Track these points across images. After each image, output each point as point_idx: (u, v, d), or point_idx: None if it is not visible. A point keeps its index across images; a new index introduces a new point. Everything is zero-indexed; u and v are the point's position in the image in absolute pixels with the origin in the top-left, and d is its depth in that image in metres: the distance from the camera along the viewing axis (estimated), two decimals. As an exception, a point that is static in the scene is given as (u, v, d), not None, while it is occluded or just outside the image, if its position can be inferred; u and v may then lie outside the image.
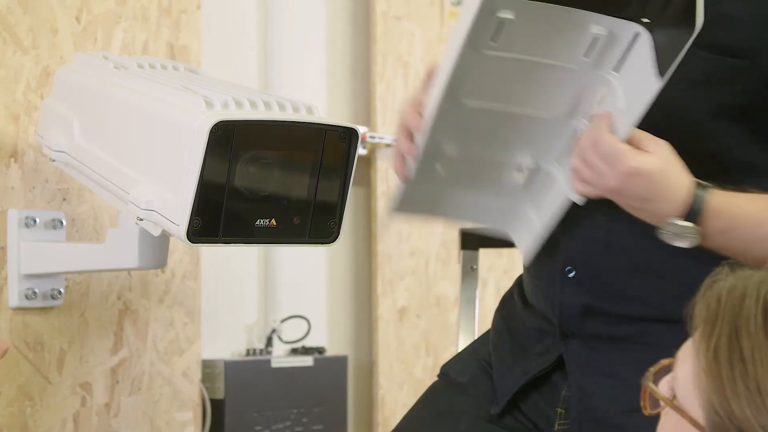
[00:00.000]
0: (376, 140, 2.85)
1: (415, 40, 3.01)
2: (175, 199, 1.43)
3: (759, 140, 1.51)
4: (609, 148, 1.39)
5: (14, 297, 1.90)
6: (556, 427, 1.61)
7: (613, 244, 1.54)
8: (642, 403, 1.11)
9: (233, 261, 2.65)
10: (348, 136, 1.49)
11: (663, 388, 1.09)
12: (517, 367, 1.64)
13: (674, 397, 1.07)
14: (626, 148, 1.39)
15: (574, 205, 1.50)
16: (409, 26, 3.00)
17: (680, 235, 1.42)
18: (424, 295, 3.00)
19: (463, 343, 1.96)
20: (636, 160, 1.39)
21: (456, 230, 2.29)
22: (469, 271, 2.17)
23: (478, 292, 2.17)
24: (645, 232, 1.49)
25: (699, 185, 1.43)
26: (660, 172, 1.40)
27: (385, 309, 2.90)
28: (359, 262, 2.94)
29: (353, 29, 2.90)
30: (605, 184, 1.41)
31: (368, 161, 2.91)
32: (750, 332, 1.02)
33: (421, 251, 3.00)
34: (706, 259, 1.42)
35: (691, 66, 1.43)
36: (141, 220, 1.49)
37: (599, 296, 1.56)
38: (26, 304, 1.91)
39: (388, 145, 2.91)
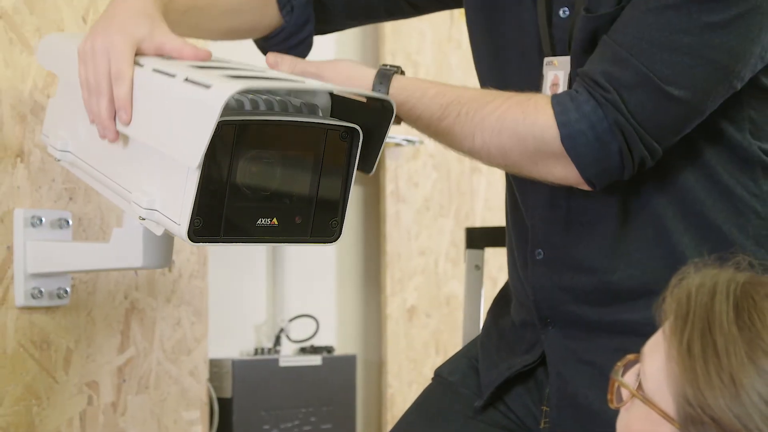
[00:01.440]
0: (386, 139, 2.85)
1: (424, 39, 3.01)
2: (176, 199, 1.43)
3: None
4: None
5: (20, 296, 1.90)
6: (542, 425, 1.63)
7: (573, 221, 1.58)
8: (609, 396, 1.13)
9: (242, 260, 2.66)
10: (349, 135, 1.49)
11: (629, 380, 1.11)
12: (501, 362, 1.66)
13: (640, 388, 1.09)
14: None
15: (535, 191, 1.59)
16: (419, 25, 3.00)
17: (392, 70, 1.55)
18: (433, 295, 3.00)
19: (465, 343, 1.96)
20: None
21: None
22: (474, 270, 2.17)
23: (483, 292, 2.17)
24: (602, 205, 1.55)
25: (384, 67, 1.55)
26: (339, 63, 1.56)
27: (394, 308, 2.91)
28: (368, 262, 2.94)
29: (362, 28, 2.90)
30: None
31: (377, 160, 2.91)
32: (723, 327, 1.05)
33: (430, 250, 3.00)
34: (656, 226, 1.52)
35: (585, 31, 1.51)
36: (143, 219, 1.49)
37: (565, 272, 1.60)
38: (32, 303, 1.92)
39: (397, 144, 2.91)
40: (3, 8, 1.91)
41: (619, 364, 1.13)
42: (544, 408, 1.63)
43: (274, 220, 1.48)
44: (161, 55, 1.52)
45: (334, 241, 1.53)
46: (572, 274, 1.59)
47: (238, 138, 1.42)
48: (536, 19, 1.57)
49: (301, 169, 1.49)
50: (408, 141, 2.91)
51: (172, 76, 1.44)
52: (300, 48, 1.74)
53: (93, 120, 1.52)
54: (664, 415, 1.06)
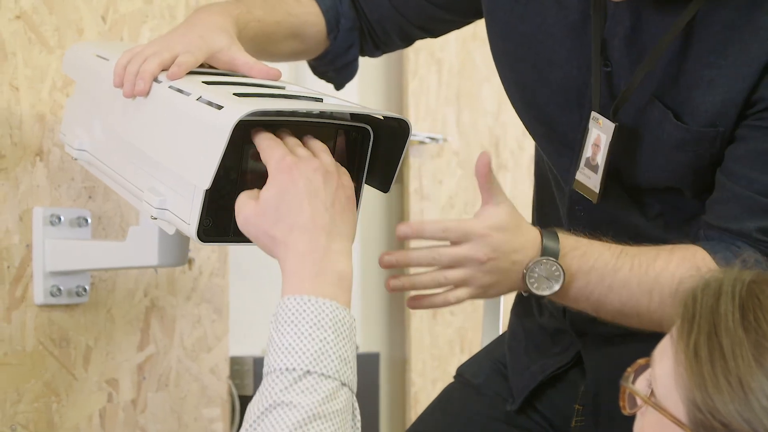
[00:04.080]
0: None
1: (448, 37, 3.00)
2: (186, 199, 1.43)
3: (705, 188, 1.53)
4: (458, 228, 1.39)
5: (39, 294, 1.92)
6: (574, 423, 1.62)
7: None
8: (621, 403, 1.12)
9: (265, 257, 2.66)
10: (361, 135, 1.49)
11: (640, 386, 1.10)
12: (533, 365, 1.65)
13: (652, 394, 1.07)
14: (469, 221, 1.40)
15: (575, 227, 1.54)
16: (443, 23, 2.99)
17: (548, 278, 1.41)
18: (458, 292, 3.00)
19: (485, 342, 1.96)
20: (486, 220, 1.39)
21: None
22: (494, 269, 2.16)
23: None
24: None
25: (545, 231, 1.43)
26: (512, 221, 1.40)
27: (418, 306, 2.90)
28: (392, 259, 2.94)
29: (387, 26, 2.90)
30: (477, 260, 1.39)
31: (401, 158, 2.90)
32: (729, 329, 1.04)
33: (455, 248, 2.99)
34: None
35: (662, 130, 1.47)
36: (155, 218, 1.49)
37: None
38: (51, 301, 1.93)
39: (420, 142, 2.91)
40: (22, 8, 1.92)
41: (629, 369, 1.12)
42: (577, 407, 1.62)
43: None
44: (232, 69, 1.55)
45: (345, 241, 1.52)
46: None
47: (248, 138, 1.43)
48: (575, 58, 1.53)
49: (311, 168, 1.49)
50: (431, 138, 2.91)
51: (187, 94, 1.45)
52: (346, 71, 1.79)
53: (126, 77, 1.52)
54: (676, 421, 1.05)
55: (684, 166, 1.49)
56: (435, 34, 1.80)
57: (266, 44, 1.68)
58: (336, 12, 1.73)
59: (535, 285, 1.41)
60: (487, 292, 1.41)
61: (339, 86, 1.81)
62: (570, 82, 1.54)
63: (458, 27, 1.79)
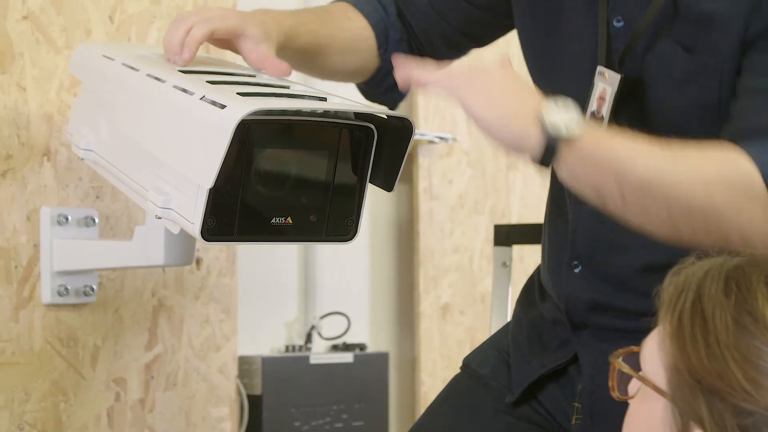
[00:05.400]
0: (418, 137, 2.85)
1: (458, 36, 3.00)
2: (190, 198, 1.44)
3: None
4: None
5: (47, 294, 1.92)
6: (574, 421, 1.62)
7: (618, 242, 1.54)
8: (610, 383, 1.14)
9: (273, 257, 2.67)
10: (365, 134, 1.49)
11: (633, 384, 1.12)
12: (534, 358, 1.65)
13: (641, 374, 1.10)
14: None
15: (579, 203, 1.51)
16: (453, 22, 2.98)
17: (564, 126, 1.32)
18: (468, 292, 2.99)
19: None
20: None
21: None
22: (501, 268, 2.16)
23: (510, 289, 2.16)
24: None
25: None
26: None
27: (427, 305, 2.90)
28: (401, 259, 2.94)
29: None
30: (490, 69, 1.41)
31: (410, 157, 2.90)
32: (711, 294, 1.07)
33: (465, 248, 2.99)
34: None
35: (673, 66, 1.46)
36: (160, 218, 1.50)
37: (605, 292, 1.58)
38: (59, 300, 1.94)
39: (430, 142, 2.91)
40: (30, 9, 1.93)
41: (619, 351, 1.14)
42: (576, 405, 1.62)
43: (289, 218, 1.49)
44: (248, 58, 1.55)
45: (350, 240, 1.53)
46: (614, 295, 1.57)
47: (252, 137, 1.43)
48: (591, 25, 1.53)
49: (315, 167, 1.49)
50: (441, 138, 2.91)
51: (191, 93, 1.46)
52: (397, 89, 1.73)
53: (166, 47, 1.56)
54: (657, 390, 1.07)
55: (691, 106, 1.48)
56: (479, 41, 1.77)
57: (317, 57, 1.68)
58: (384, 25, 1.72)
59: (550, 120, 1.33)
60: (484, 97, 1.38)
61: (392, 106, 1.78)
62: (585, 47, 1.55)
63: (500, 31, 1.75)
